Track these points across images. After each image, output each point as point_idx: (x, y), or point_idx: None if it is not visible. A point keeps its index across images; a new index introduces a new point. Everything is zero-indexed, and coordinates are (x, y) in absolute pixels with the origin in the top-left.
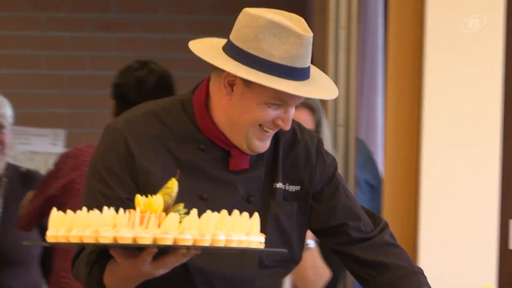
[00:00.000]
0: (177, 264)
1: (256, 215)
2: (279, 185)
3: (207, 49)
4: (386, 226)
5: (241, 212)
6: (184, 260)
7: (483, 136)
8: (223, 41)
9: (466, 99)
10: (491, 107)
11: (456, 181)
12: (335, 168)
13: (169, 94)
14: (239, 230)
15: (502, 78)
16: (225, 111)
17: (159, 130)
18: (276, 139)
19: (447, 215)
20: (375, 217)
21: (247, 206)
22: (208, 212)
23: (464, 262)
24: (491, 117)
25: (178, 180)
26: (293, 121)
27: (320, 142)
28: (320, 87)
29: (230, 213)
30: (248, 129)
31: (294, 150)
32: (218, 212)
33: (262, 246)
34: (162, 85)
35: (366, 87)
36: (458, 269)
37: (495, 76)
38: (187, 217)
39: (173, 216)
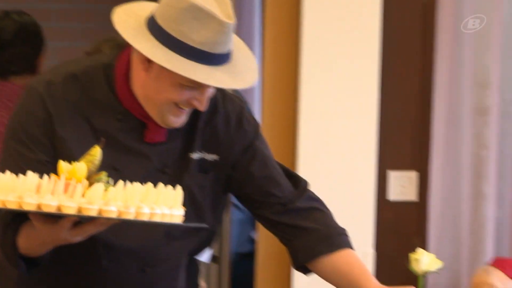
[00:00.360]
0: (95, 232)
1: (179, 188)
2: (195, 155)
3: (130, 21)
4: (305, 188)
5: (155, 184)
6: (102, 228)
7: (361, 88)
8: (150, 7)
9: (345, 46)
10: (369, 57)
11: (334, 133)
12: (256, 136)
13: (32, 45)
14: (162, 203)
15: (380, 18)
16: (142, 85)
17: (78, 96)
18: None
19: (325, 167)
20: (295, 180)
21: (161, 177)
22: (135, 183)
23: (343, 213)
24: (369, 68)
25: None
26: (218, 89)
27: (242, 110)
28: (237, 73)
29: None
30: (163, 106)
31: (214, 120)
32: (131, 183)
33: (182, 219)
34: (23, 35)
35: (244, 37)
36: (338, 220)
37: (374, 15)
38: (112, 188)
39: (98, 186)
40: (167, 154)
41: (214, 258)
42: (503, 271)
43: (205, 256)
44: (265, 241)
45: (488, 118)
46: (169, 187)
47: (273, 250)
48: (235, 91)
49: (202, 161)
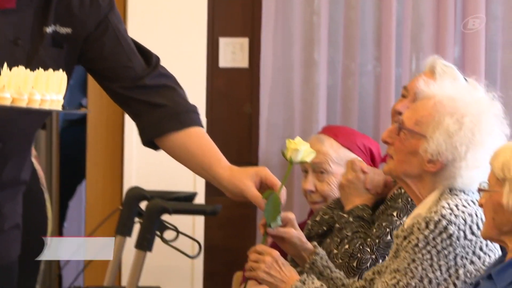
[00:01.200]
0: None
1: (63, 74)
2: (49, 29)
3: None
4: (157, 65)
5: (8, 56)
6: None
7: None
8: None
9: None
10: None
11: (165, 2)
12: (110, 10)
13: None
14: (51, 89)
15: None
16: None
17: None
18: None
19: (156, 35)
20: (148, 56)
21: (14, 49)
22: (23, 69)
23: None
24: None
25: None
26: None
27: None
28: None
29: None
30: None
31: None
32: None
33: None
34: None
35: None
36: None
37: None
38: (3, 74)
39: None
40: (19, 25)
41: (43, 125)
42: (335, 139)
43: None
44: (96, 107)
45: None
46: (57, 72)
47: (103, 117)
48: None
49: (55, 34)
